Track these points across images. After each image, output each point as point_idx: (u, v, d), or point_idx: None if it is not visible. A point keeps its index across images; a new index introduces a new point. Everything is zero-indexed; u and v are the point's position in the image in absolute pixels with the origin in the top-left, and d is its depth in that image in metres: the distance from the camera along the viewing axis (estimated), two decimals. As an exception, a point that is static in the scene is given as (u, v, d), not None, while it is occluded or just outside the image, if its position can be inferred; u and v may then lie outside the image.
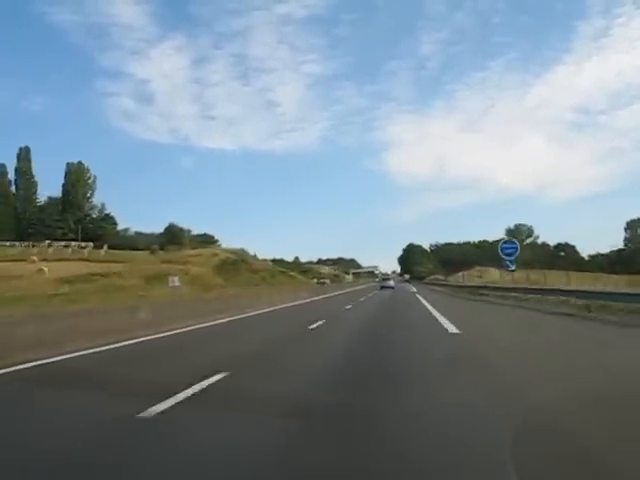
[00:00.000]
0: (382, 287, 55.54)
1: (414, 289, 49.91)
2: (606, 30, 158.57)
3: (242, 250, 79.05)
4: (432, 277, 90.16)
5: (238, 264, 63.14)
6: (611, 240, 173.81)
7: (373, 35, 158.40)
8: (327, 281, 50.63)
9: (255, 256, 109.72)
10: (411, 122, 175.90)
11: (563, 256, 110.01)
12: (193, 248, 76.75)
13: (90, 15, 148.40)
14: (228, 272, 57.16)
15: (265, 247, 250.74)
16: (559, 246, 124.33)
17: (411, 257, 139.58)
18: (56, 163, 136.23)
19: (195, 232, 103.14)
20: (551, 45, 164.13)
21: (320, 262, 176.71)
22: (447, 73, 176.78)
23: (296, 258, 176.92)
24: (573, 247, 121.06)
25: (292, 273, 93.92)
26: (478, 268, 70.98)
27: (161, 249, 68.36)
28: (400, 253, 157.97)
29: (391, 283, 61.06)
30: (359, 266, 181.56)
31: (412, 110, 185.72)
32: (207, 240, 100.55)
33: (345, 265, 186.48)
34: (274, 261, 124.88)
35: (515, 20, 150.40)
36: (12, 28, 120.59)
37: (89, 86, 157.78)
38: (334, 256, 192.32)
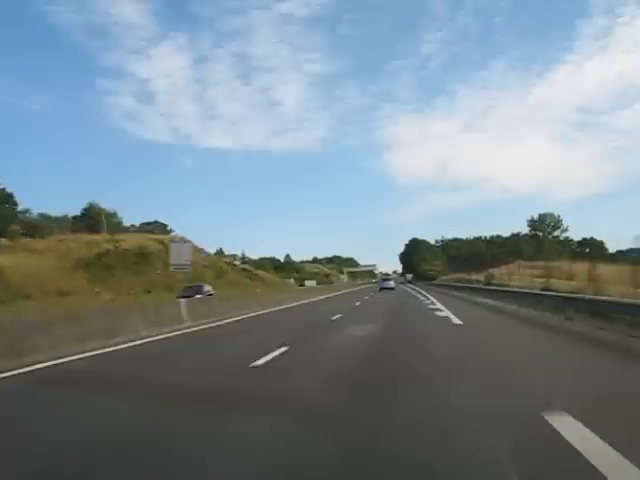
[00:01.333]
0: (381, 288, 52.08)
1: (439, 303, 23.24)
2: (609, 29, 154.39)
3: (181, 239, 55.16)
4: (448, 277, 66.09)
5: (149, 257, 39.49)
6: (616, 239, 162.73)
7: (375, 34, 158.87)
8: (209, 289, 26.75)
9: (224, 253, 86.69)
10: (413, 122, 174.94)
11: (588, 252, 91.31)
12: (110, 234, 53.30)
13: (91, 14, 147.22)
14: (116, 269, 33.80)
15: (264, 246, 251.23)
16: (584, 241, 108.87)
17: (416, 254, 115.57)
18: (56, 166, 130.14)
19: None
20: (553, 44, 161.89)
21: (315, 261, 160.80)
22: (449, 73, 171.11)
23: (287, 256, 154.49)
24: (601, 242, 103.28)
25: (260, 272, 70.47)
26: (521, 262, 47.21)
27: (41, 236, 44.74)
28: (402, 251, 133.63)
29: (391, 284, 55.51)
30: (358, 265, 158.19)
31: (414, 110, 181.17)
32: (152, 229, 76.69)
33: (342, 264, 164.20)
34: (263, 260, 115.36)
35: (517, 19, 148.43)
36: (13, 27, 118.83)
37: (90, 85, 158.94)
38: (333, 255, 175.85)
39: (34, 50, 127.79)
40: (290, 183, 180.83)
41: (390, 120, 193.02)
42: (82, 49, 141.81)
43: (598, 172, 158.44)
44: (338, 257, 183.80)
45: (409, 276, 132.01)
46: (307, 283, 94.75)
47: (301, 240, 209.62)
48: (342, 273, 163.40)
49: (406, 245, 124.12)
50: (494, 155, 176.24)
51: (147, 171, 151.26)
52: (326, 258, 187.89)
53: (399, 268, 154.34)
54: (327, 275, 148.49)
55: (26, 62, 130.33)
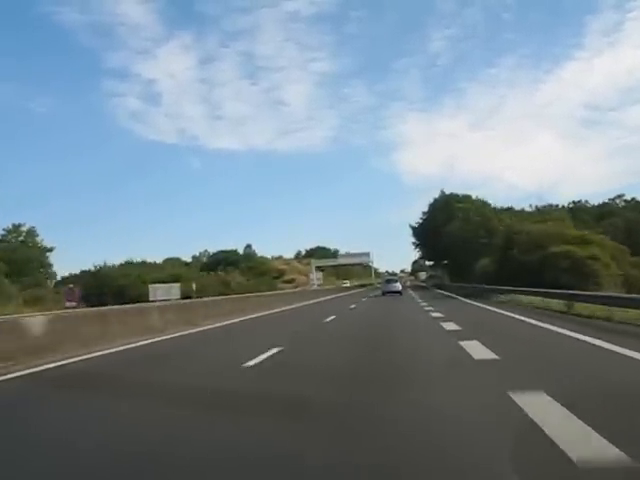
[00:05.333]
0: (385, 292, 40.01)
1: None
2: (618, 25, 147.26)
3: None
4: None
5: None
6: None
7: (382, 32, 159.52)
8: None
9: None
10: (421, 120, 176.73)
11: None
12: None
13: (96, 14, 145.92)
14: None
15: (269, 246, 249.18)
16: None
17: (455, 219, 52.59)
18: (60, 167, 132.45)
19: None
20: (562, 41, 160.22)
21: (298, 255, 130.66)
22: (457, 70, 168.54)
23: (247, 247, 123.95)
24: None
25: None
26: None
27: None
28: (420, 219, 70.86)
29: (397, 286, 41.28)
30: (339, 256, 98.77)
31: (422, 108, 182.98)
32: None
33: (328, 257, 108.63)
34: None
35: (525, 16, 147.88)
36: (18, 29, 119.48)
37: (95, 86, 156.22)
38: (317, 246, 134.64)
39: (39, 51, 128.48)
40: (294, 183, 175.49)
41: (397, 119, 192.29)
42: (87, 50, 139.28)
43: (607, 169, 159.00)
44: (323, 248, 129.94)
45: (422, 275, 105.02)
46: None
47: (302, 240, 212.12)
48: (322, 270, 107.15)
49: (425, 212, 60.84)
50: (502, 153, 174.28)
51: (151, 172, 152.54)
52: (307, 250, 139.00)
53: (408, 265, 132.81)
54: (278, 276, 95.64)
55: (31, 64, 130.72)
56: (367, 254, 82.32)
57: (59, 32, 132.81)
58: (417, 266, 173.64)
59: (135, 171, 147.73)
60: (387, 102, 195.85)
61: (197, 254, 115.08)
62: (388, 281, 44.83)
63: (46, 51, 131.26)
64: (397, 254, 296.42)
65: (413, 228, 61.85)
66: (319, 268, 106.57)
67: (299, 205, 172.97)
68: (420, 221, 61.61)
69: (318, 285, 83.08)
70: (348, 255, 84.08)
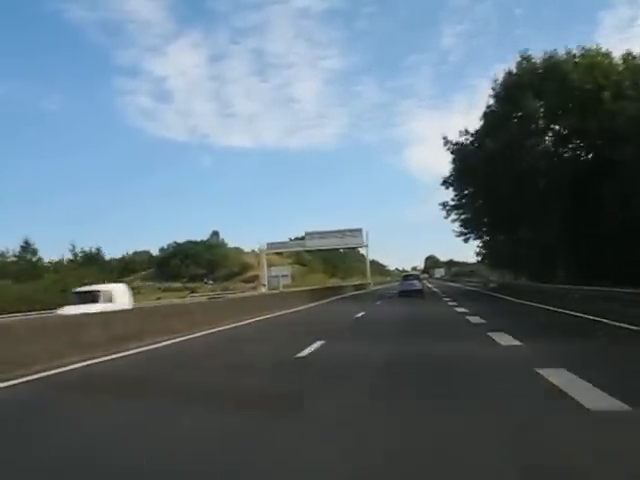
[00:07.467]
0: (401, 292, 34.27)
1: None
2: (632, 20, 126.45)
3: None
4: None
5: None
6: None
7: (393, 28, 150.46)
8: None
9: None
10: (433, 117, 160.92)
11: None
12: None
13: (105, 12, 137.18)
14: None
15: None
16: None
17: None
18: (68, 164, 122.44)
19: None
20: (574, 37, 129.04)
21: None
22: (469, 67, 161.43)
23: (214, 234, 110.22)
24: None
25: None
26: None
27: None
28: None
29: (416, 284, 35.38)
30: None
31: (433, 105, 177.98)
32: None
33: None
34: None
35: (538, 11, 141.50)
36: (27, 27, 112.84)
37: (106, 84, 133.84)
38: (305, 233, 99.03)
39: (49, 49, 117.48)
40: (303, 180, 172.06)
41: (408, 116, 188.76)
42: (97, 47, 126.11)
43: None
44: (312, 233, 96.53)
45: (439, 271, 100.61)
46: None
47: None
48: (304, 265, 76.88)
49: (490, 105, 26.95)
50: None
51: (162, 169, 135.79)
52: (290, 239, 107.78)
53: (420, 263, 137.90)
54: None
55: (41, 62, 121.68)
56: (358, 231, 48.24)
57: (69, 30, 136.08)
58: (431, 262, 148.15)
59: (145, 168, 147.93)
60: (398, 99, 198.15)
61: (165, 246, 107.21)
62: (406, 278, 39.92)
63: (56, 49, 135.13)
64: (407, 251, 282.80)
65: (455, 157, 28.05)
66: (299, 258, 73.80)
67: (307, 202, 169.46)
68: (467, 141, 27.69)
69: (284, 286, 49.83)
70: (324, 234, 49.53)
